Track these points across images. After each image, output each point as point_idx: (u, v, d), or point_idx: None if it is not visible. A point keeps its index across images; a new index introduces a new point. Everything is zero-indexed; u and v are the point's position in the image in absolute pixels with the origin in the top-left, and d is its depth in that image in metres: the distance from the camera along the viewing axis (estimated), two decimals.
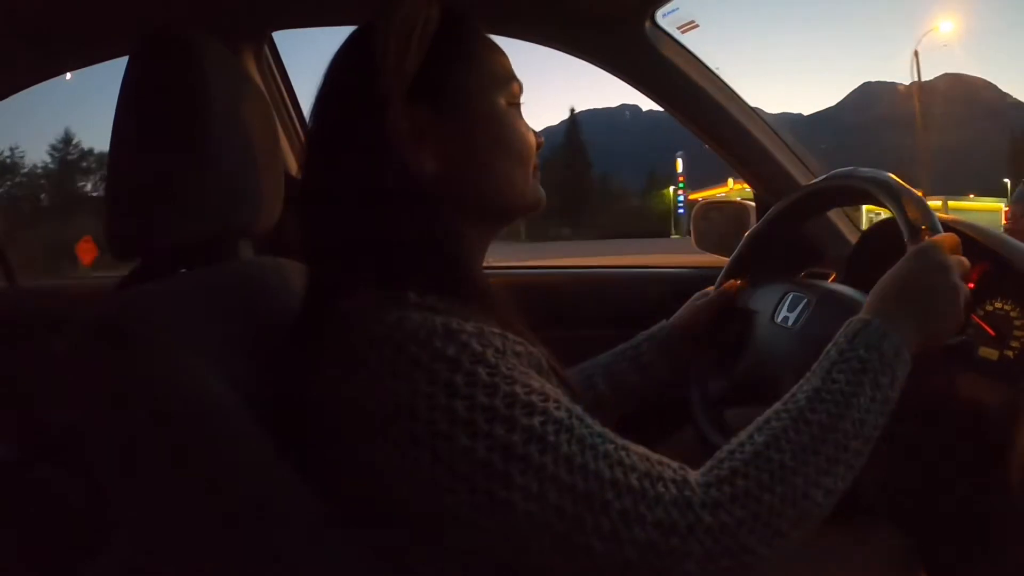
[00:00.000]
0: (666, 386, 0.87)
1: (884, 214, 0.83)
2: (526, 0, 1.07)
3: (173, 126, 0.58)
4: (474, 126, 0.58)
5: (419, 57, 0.55)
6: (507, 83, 0.60)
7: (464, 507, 0.46)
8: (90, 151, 51.10)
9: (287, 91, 1.40)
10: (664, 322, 0.90)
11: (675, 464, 0.49)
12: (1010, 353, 0.76)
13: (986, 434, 0.72)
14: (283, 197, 0.73)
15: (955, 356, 0.63)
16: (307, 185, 0.59)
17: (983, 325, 0.79)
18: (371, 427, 0.47)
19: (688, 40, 1.13)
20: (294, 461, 0.50)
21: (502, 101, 0.60)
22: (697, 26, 1.08)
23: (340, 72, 0.58)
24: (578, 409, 0.49)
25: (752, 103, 1.18)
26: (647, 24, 1.08)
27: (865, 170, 0.79)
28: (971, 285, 0.66)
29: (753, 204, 1.28)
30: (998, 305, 0.79)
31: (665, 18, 1.08)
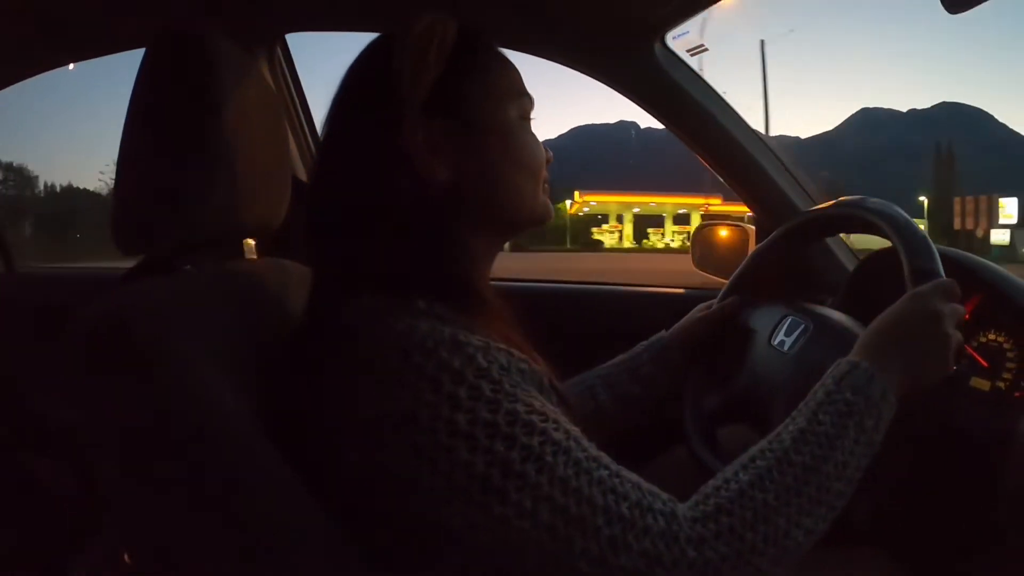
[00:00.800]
0: (666, 398, 0.88)
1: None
2: (540, 18, 1.08)
3: (185, 123, 0.58)
4: (487, 139, 0.59)
5: (436, 71, 0.56)
6: (519, 98, 0.61)
7: (458, 519, 0.47)
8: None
9: (297, 93, 1.40)
10: (663, 333, 0.91)
11: (665, 496, 0.50)
12: (1002, 384, 0.77)
13: (977, 464, 0.73)
14: (289, 199, 0.74)
15: (947, 386, 0.64)
16: (318, 190, 0.60)
17: (976, 356, 0.80)
18: (372, 434, 0.48)
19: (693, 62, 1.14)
20: (294, 463, 0.50)
21: (514, 115, 0.61)
22: (707, 49, 1.09)
23: (357, 81, 0.59)
24: (576, 431, 0.50)
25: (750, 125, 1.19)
26: (657, 46, 1.10)
27: (874, 201, 0.80)
28: (966, 316, 0.67)
29: (753, 228, 1.29)
30: (991, 337, 0.80)
31: (675, 40, 1.10)
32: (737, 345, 0.90)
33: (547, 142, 0.65)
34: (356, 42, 0.64)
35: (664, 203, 57.86)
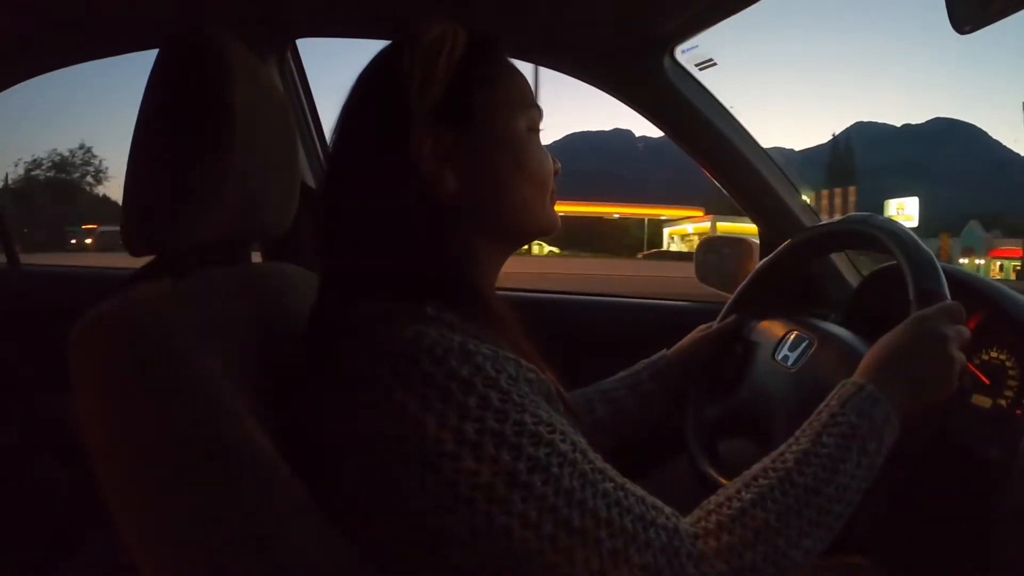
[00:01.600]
0: (663, 415, 0.88)
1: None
2: (550, 29, 1.09)
3: (195, 125, 0.58)
4: (495, 149, 0.59)
5: (446, 79, 0.56)
6: (528, 109, 0.62)
7: (462, 528, 0.47)
8: None
9: (307, 99, 1.41)
10: (664, 351, 0.91)
11: (668, 510, 0.51)
12: (1003, 402, 0.77)
13: (977, 481, 0.73)
14: (297, 204, 0.74)
15: (949, 403, 0.64)
16: (327, 196, 0.60)
17: (977, 373, 0.80)
18: (379, 440, 0.48)
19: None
20: (296, 466, 0.50)
21: (523, 126, 0.61)
22: (715, 64, 1.10)
23: (368, 89, 0.59)
24: (583, 443, 0.51)
25: None
26: (666, 59, 1.10)
27: (881, 219, 0.80)
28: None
29: (757, 242, 1.29)
30: (993, 354, 0.80)
31: (684, 54, 1.10)
32: (740, 358, 0.90)
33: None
34: (366, 50, 0.65)
35: (640, 214, 58.40)
